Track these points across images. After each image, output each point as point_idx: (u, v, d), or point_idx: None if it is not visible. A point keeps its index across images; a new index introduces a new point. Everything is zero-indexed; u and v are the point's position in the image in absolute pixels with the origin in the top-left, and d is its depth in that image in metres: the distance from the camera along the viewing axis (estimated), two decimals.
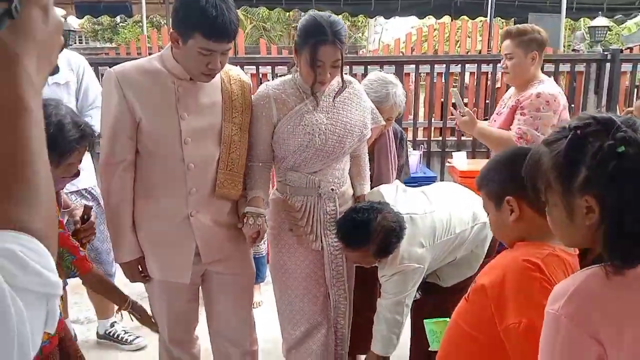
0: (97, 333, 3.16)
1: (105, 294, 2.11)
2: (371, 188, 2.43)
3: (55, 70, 0.76)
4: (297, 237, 2.25)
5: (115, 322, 3.12)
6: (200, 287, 2.23)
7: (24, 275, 0.55)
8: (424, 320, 1.89)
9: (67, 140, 1.71)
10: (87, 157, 2.83)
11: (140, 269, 2.06)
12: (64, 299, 2.14)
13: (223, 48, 1.84)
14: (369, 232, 2.06)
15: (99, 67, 4.57)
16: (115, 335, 3.10)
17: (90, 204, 2.85)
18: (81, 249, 1.86)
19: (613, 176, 0.95)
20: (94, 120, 2.74)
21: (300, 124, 2.11)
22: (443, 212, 2.20)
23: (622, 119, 1.01)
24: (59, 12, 0.73)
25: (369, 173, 2.39)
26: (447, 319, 1.57)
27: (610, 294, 0.98)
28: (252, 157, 2.18)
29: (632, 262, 0.96)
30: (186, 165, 1.95)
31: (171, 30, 1.85)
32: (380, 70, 5.18)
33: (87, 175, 2.85)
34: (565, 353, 0.99)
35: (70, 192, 2.67)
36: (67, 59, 2.78)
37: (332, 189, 2.21)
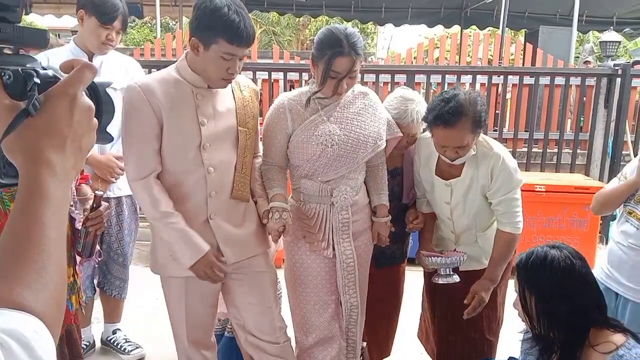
0: (101, 339, 3.16)
1: None
2: (397, 204, 2.46)
3: (109, 139, 0.78)
4: (309, 244, 2.28)
5: (119, 329, 3.13)
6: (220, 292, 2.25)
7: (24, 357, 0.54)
8: None
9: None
10: None
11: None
12: (82, 303, 2.15)
13: (243, 52, 1.92)
14: (461, 102, 2.07)
15: None
16: (116, 344, 3.09)
17: (129, 210, 2.93)
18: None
19: None
20: None
21: (314, 134, 2.16)
22: None
23: None
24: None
25: (387, 183, 2.42)
26: None
27: None
28: (269, 161, 2.26)
29: None
30: (206, 169, 2.01)
31: (191, 37, 1.90)
32: (395, 81, 5.21)
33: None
34: None
35: (112, 198, 2.76)
36: (123, 65, 2.83)
37: (345, 198, 2.24)
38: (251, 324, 2.22)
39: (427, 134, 2.29)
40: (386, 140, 2.33)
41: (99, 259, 2.28)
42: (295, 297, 2.35)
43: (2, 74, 0.66)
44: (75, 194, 2.07)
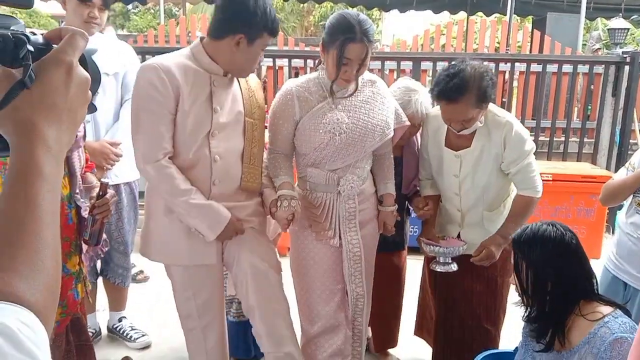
0: (107, 327, 3.17)
1: None
2: (399, 193, 2.44)
3: (93, 109, 0.73)
4: (316, 233, 2.27)
5: (124, 317, 3.13)
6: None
7: (18, 354, 0.52)
8: None
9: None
10: (130, 150, 2.87)
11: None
12: (88, 291, 2.14)
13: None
14: (465, 78, 2.08)
15: None
16: (122, 331, 3.09)
17: (128, 197, 2.90)
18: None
19: None
20: (127, 112, 2.76)
21: (322, 122, 2.14)
22: None
23: None
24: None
25: (393, 172, 2.39)
26: None
27: None
28: (274, 149, 2.24)
29: None
30: (212, 156, 2.00)
31: (237, 35, 1.89)
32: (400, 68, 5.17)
33: (129, 168, 2.84)
34: None
35: (113, 185, 2.68)
36: (116, 49, 2.80)
37: (352, 187, 2.22)
38: (249, 250, 2.14)
39: (436, 109, 2.31)
40: (394, 129, 2.30)
41: (106, 249, 2.27)
42: (301, 286, 2.34)
43: None
44: (80, 182, 2.06)
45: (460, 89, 2.06)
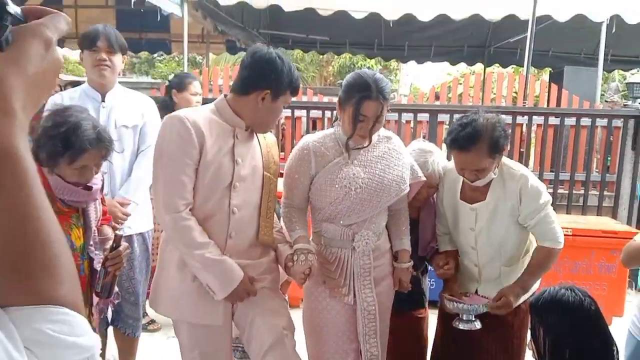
0: None
1: None
2: (415, 255, 2.41)
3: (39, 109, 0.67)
4: (330, 289, 2.24)
5: None
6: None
7: (58, 350, 0.56)
8: None
9: (80, 139, 1.79)
10: (144, 201, 2.90)
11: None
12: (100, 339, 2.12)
13: None
14: (477, 128, 2.10)
15: None
16: None
17: (141, 248, 2.90)
18: None
19: None
20: (142, 166, 2.77)
21: (338, 177, 2.15)
22: None
23: None
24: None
25: (409, 227, 2.38)
26: None
27: None
28: (290, 203, 2.25)
29: None
30: (231, 209, 2.00)
31: (263, 90, 1.96)
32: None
33: (141, 218, 2.86)
34: None
35: (125, 235, 2.67)
36: (136, 102, 2.85)
37: (367, 242, 2.20)
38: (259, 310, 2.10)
39: (452, 162, 2.34)
40: (409, 185, 2.30)
41: (117, 301, 2.26)
42: (314, 345, 2.30)
43: None
44: (96, 234, 2.08)
45: (473, 137, 2.10)
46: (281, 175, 2.26)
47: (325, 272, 2.24)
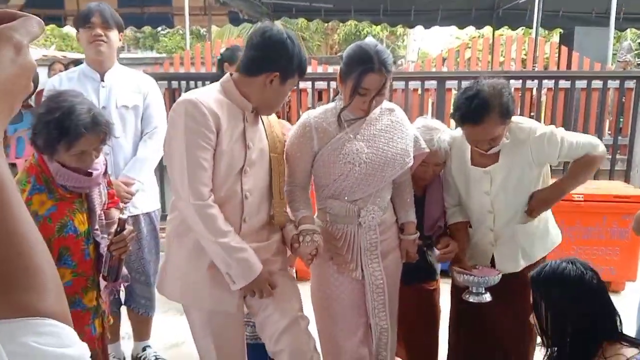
0: (132, 355, 3.15)
1: None
2: (421, 235, 2.38)
3: (17, 120, 0.66)
4: (337, 265, 2.23)
5: (148, 346, 3.12)
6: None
7: None
8: None
9: (75, 124, 1.76)
10: (150, 181, 2.89)
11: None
12: (107, 326, 2.13)
13: None
14: (486, 98, 2.06)
15: None
16: None
17: (148, 227, 2.90)
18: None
19: None
20: (148, 145, 2.76)
21: (341, 153, 2.11)
22: None
23: None
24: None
25: (413, 199, 2.34)
26: None
27: None
28: (292, 182, 2.22)
29: None
30: (244, 194, 1.98)
31: (273, 72, 1.91)
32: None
33: (148, 198, 2.86)
34: None
35: (132, 216, 2.68)
36: (136, 81, 2.80)
37: (373, 217, 2.18)
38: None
39: (457, 131, 2.32)
40: (413, 157, 2.27)
41: (127, 284, 2.26)
42: (323, 321, 2.30)
43: None
44: (103, 217, 2.07)
45: (483, 109, 2.05)
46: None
47: (332, 248, 2.23)
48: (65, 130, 1.75)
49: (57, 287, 0.61)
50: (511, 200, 2.27)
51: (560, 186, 2.29)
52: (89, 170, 1.91)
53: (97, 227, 2.00)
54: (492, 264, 2.37)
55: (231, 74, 2.02)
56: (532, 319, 1.86)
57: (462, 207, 2.41)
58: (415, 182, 2.37)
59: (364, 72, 2.00)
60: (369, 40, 2.12)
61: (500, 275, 2.25)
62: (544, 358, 1.86)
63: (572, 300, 1.73)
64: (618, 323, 1.76)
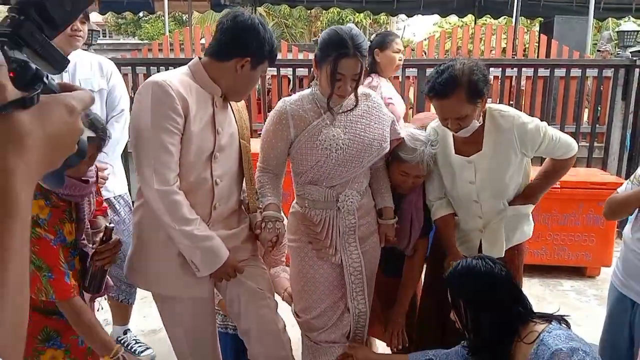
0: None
1: (85, 334, 1.79)
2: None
3: (58, 185, 0.70)
4: (316, 250, 2.24)
5: (128, 329, 3.12)
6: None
7: None
8: None
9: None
10: (118, 164, 2.85)
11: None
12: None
13: None
14: (454, 73, 2.05)
15: (121, 68, 4.55)
16: (126, 344, 3.07)
17: (124, 210, 2.88)
18: (64, 268, 1.70)
19: None
20: (117, 129, 2.73)
21: (318, 139, 2.11)
22: None
23: None
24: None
25: (390, 185, 2.35)
26: None
27: None
28: (265, 168, 2.22)
29: None
30: (214, 180, 1.96)
31: (243, 58, 1.88)
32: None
33: (119, 181, 2.84)
34: None
35: (105, 199, 2.62)
36: (98, 64, 2.76)
37: (351, 202, 2.19)
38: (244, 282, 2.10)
39: (434, 121, 2.34)
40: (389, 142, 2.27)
41: (111, 295, 2.19)
42: (302, 303, 2.31)
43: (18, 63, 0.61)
44: (88, 226, 1.94)
45: (450, 83, 2.04)
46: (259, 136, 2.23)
47: (312, 233, 2.23)
48: None
49: (17, 327, 0.58)
50: (496, 190, 2.28)
51: (533, 190, 2.36)
52: (83, 178, 1.81)
53: (83, 237, 1.88)
54: (479, 250, 2.38)
55: (200, 58, 1.98)
56: (452, 315, 1.96)
57: (447, 199, 2.40)
58: (392, 188, 2.36)
59: (339, 57, 1.99)
60: (344, 26, 2.11)
61: None
62: (467, 351, 1.98)
63: (485, 291, 1.87)
64: (528, 306, 1.90)
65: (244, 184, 2.16)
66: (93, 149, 1.75)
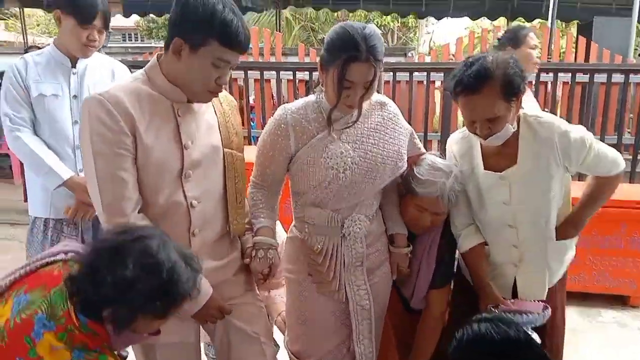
0: None
1: None
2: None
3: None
4: (317, 284, 1.96)
5: None
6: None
7: None
8: None
9: (181, 289, 1.38)
10: None
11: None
12: None
13: (237, 60, 1.61)
14: (486, 65, 1.77)
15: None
16: None
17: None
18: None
19: None
20: None
21: (323, 156, 1.82)
22: None
23: None
24: None
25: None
26: None
27: None
28: (259, 184, 1.94)
29: None
30: (189, 202, 1.66)
31: (173, 37, 1.55)
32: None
33: None
34: None
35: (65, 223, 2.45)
36: (110, 68, 2.56)
37: (359, 229, 1.90)
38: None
39: (459, 132, 2.04)
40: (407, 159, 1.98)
41: None
42: (299, 347, 2.04)
43: None
44: None
45: (482, 75, 1.75)
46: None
47: (312, 263, 1.95)
48: (166, 296, 1.36)
49: None
50: (536, 211, 1.93)
51: (576, 218, 2.04)
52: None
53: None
54: (513, 289, 2.03)
55: (159, 57, 1.66)
56: None
57: (476, 225, 2.05)
58: (407, 225, 2.04)
59: (348, 61, 1.68)
60: (357, 23, 1.79)
61: (549, 310, 1.90)
62: None
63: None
64: None
65: None
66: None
